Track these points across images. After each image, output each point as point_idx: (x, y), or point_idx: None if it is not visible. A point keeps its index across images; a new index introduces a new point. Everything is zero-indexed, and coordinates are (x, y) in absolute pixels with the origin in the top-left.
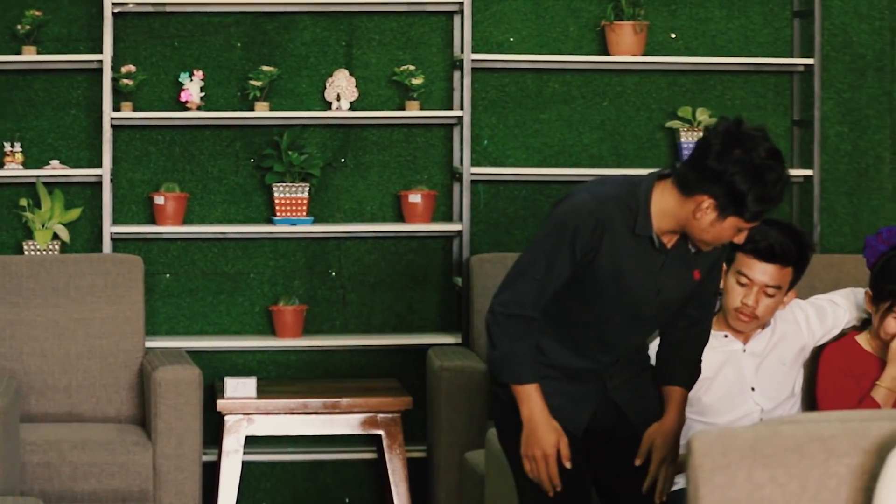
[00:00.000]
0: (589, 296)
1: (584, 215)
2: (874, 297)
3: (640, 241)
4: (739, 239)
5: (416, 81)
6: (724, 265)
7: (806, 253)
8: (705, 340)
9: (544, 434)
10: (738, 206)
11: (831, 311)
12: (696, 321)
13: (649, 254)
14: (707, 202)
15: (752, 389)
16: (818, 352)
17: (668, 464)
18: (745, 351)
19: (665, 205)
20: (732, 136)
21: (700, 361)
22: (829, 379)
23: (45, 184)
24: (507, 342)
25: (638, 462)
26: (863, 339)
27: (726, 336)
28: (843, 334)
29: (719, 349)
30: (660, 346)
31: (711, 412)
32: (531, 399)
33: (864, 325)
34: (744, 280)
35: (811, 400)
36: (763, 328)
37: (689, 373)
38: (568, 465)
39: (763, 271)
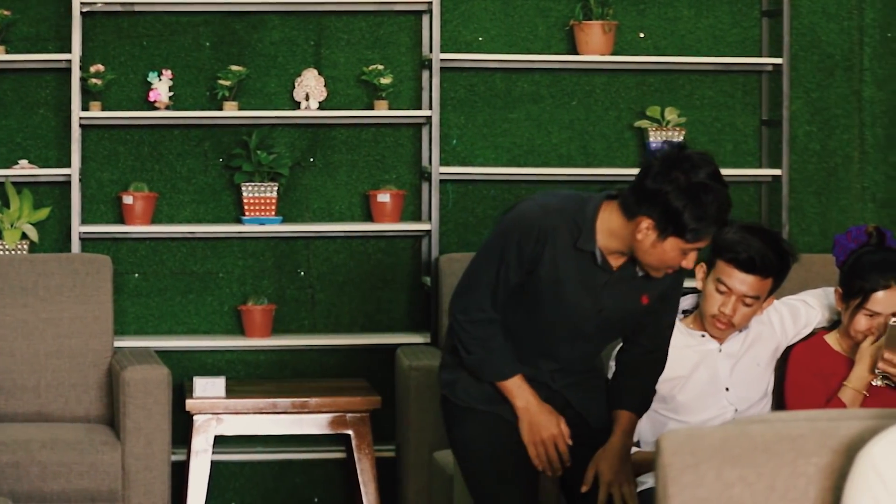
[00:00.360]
0: (530, 305)
1: (527, 224)
2: (844, 295)
3: (583, 257)
4: (688, 263)
5: (385, 81)
6: (704, 269)
7: (787, 263)
8: (659, 370)
9: (545, 418)
10: (676, 225)
11: (804, 311)
12: (649, 350)
13: (591, 270)
14: (646, 223)
15: (727, 390)
16: (787, 351)
17: (621, 485)
18: (720, 351)
19: (611, 224)
20: (673, 159)
21: (653, 391)
22: (797, 379)
23: (14, 183)
24: (479, 345)
25: (584, 488)
26: (832, 339)
27: (703, 336)
28: (812, 333)
29: (695, 348)
30: (614, 372)
31: (685, 411)
32: (521, 389)
33: (835, 325)
34: (722, 288)
35: (779, 399)
36: (740, 330)
37: (640, 399)
38: (570, 441)
39: (742, 281)
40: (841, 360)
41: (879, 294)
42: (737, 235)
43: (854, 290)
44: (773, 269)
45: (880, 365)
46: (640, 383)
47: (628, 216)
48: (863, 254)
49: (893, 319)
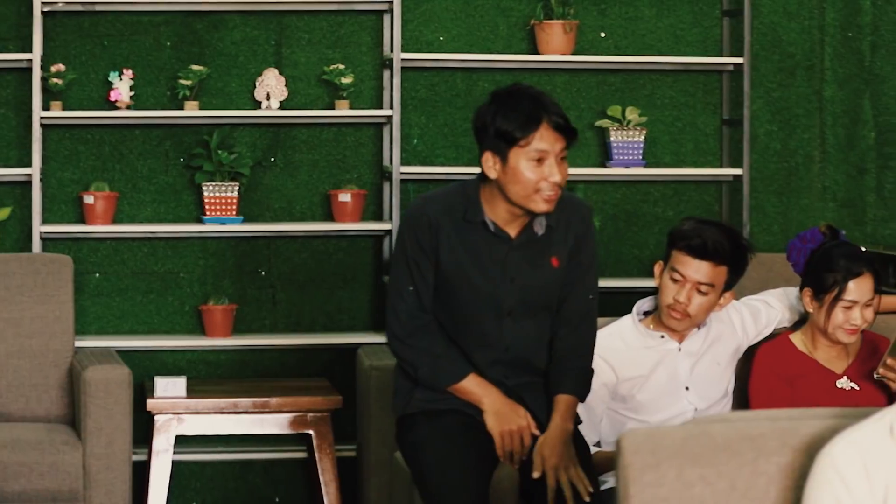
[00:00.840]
0: (447, 296)
1: (415, 217)
2: (816, 293)
3: (477, 230)
4: (552, 172)
5: (346, 80)
6: (661, 265)
7: (741, 253)
8: (590, 348)
9: (510, 410)
10: (501, 136)
11: (765, 311)
12: (575, 327)
13: (490, 242)
14: (487, 156)
15: (687, 389)
16: (751, 352)
17: (567, 468)
18: (680, 350)
19: (488, 193)
20: (479, 107)
21: (590, 371)
22: (762, 381)
23: None
24: (423, 356)
25: (535, 474)
26: (797, 339)
27: (662, 336)
28: (775, 334)
29: (655, 349)
30: (549, 361)
31: (645, 410)
32: (482, 387)
33: (796, 326)
34: (677, 276)
35: (742, 400)
36: (699, 328)
37: (575, 381)
38: (536, 433)
39: (696, 269)
40: (807, 361)
41: (852, 283)
42: (691, 225)
43: (828, 285)
44: (727, 256)
45: (880, 370)
46: (575, 364)
47: (485, 171)
48: (826, 249)
49: None
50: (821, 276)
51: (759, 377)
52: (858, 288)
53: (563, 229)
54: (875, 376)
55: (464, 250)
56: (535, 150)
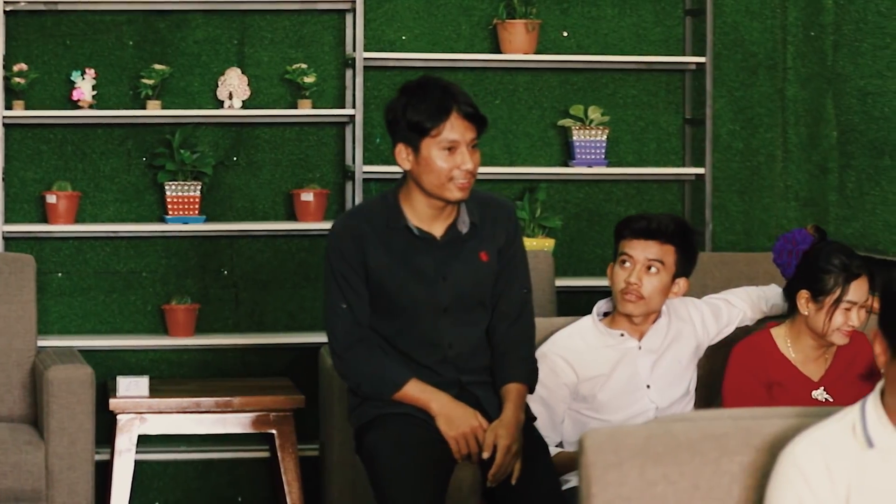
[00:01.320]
0: (386, 305)
1: (339, 234)
2: (816, 294)
3: (402, 235)
4: (465, 161)
5: (309, 80)
6: (612, 265)
7: (686, 234)
8: (531, 336)
9: (462, 411)
10: (413, 128)
11: (726, 309)
12: (514, 319)
13: (416, 244)
14: (399, 148)
15: (648, 387)
16: (726, 348)
17: (514, 454)
18: (640, 349)
19: (406, 192)
20: (397, 94)
21: (534, 360)
22: (737, 381)
23: None
24: (362, 370)
25: (486, 454)
26: (780, 338)
27: (622, 335)
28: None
29: (615, 347)
30: (492, 357)
31: (606, 409)
32: (426, 392)
33: (758, 325)
34: (625, 259)
35: (708, 398)
36: (655, 321)
37: (523, 369)
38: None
39: (643, 248)
40: (785, 365)
41: (853, 284)
42: (634, 215)
43: (828, 287)
44: (671, 234)
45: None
46: (518, 355)
47: (403, 166)
48: (822, 250)
49: None
50: (819, 277)
51: (735, 377)
52: (858, 289)
53: (490, 226)
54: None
55: (391, 256)
56: (447, 140)
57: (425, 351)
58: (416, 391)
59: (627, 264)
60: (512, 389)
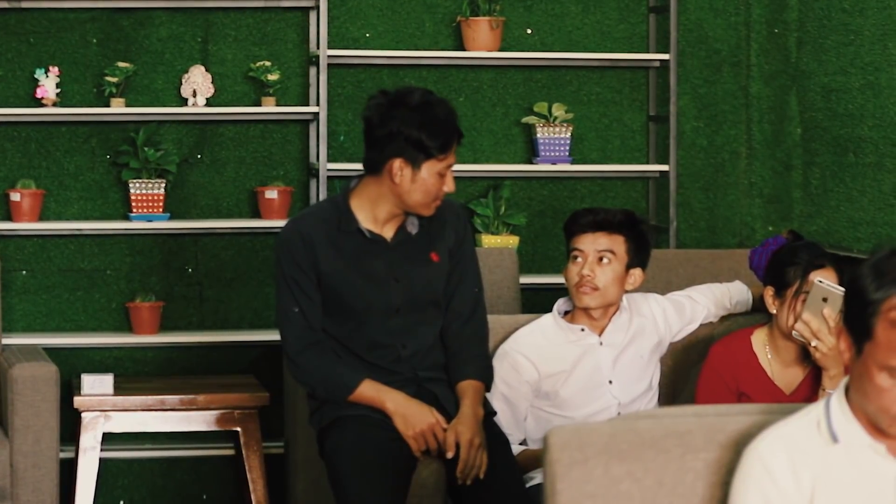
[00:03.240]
0: (338, 308)
1: (288, 238)
2: (779, 289)
3: (353, 238)
4: (449, 184)
5: (272, 77)
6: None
7: (634, 223)
8: (485, 335)
9: (417, 409)
10: (422, 149)
11: (689, 306)
12: (467, 318)
13: (367, 248)
14: (397, 163)
15: (610, 383)
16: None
17: (476, 447)
18: (601, 344)
19: (367, 196)
20: (387, 103)
21: (488, 358)
22: (709, 387)
23: None
24: (315, 374)
25: (449, 454)
26: (759, 343)
27: (583, 330)
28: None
29: (576, 343)
30: (446, 356)
31: (569, 406)
32: (381, 391)
33: (721, 322)
34: (576, 254)
35: (670, 394)
36: (615, 315)
37: (479, 366)
38: (445, 426)
39: (592, 241)
40: (758, 375)
41: (813, 274)
42: (581, 210)
43: (789, 278)
44: (619, 224)
45: (797, 326)
46: (474, 352)
47: (377, 172)
48: (788, 246)
49: (818, 280)
50: (781, 271)
51: (707, 381)
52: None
53: (439, 227)
54: (793, 334)
55: (343, 259)
56: (445, 166)
57: (379, 352)
58: (370, 391)
59: (579, 259)
60: (467, 386)
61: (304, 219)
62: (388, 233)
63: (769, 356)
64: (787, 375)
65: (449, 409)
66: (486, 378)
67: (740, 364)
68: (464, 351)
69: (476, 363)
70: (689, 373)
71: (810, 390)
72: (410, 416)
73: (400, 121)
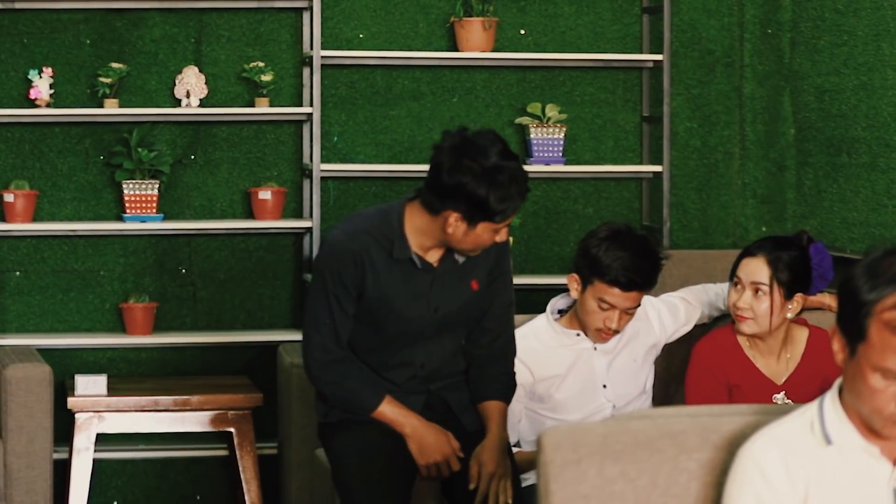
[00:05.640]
0: (370, 326)
1: (340, 254)
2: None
3: (403, 265)
4: (501, 236)
5: (266, 78)
6: (578, 280)
7: (661, 266)
8: (512, 353)
9: (435, 438)
10: (484, 211)
11: (683, 307)
12: (496, 335)
13: (415, 275)
14: (453, 216)
15: (604, 387)
16: (685, 346)
17: (499, 479)
18: (595, 349)
19: (419, 224)
20: (460, 149)
21: (513, 375)
22: (698, 381)
23: None
24: (338, 388)
25: (472, 486)
26: (741, 338)
27: (578, 334)
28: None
29: (571, 347)
30: (470, 367)
31: (563, 409)
32: (400, 414)
33: (715, 323)
34: (605, 306)
35: (666, 397)
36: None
37: (505, 385)
38: (462, 455)
39: (625, 298)
40: (747, 366)
41: (743, 261)
42: (610, 256)
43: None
44: (652, 277)
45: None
46: (499, 371)
47: (433, 213)
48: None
49: None
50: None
51: (696, 377)
52: (746, 266)
53: (483, 253)
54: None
55: (390, 287)
56: (504, 226)
57: (396, 371)
58: (390, 413)
59: (606, 308)
60: (493, 408)
61: (358, 236)
62: (434, 257)
63: (751, 350)
64: (774, 366)
65: (462, 419)
66: (510, 397)
67: (727, 356)
68: (489, 367)
69: (502, 382)
70: (682, 375)
71: (802, 381)
72: (427, 445)
73: (469, 177)
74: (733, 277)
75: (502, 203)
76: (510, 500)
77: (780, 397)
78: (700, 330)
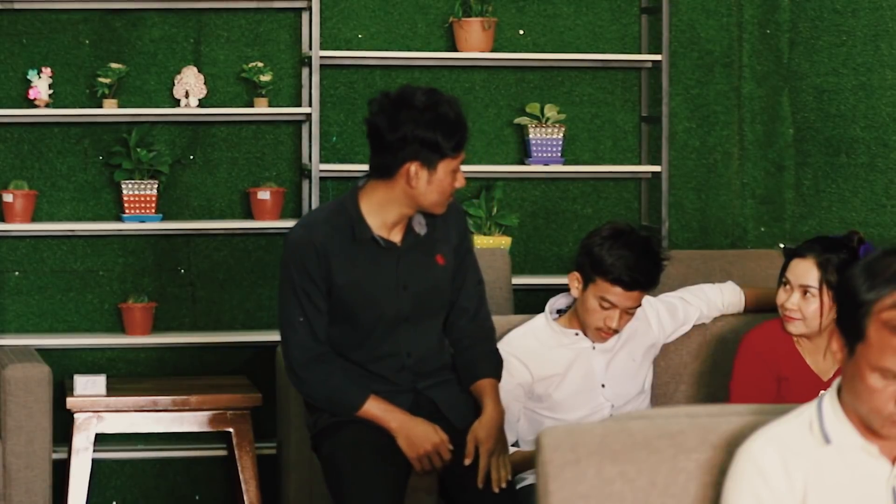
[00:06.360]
0: (344, 315)
1: (300, 247)
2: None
3: (367, 247)
4: (460, 181)
5: (265, 78)
6: (579, 278)
7: (662, 265)
8: (492, 330)
9: (422, 429)
10: (438, 149)
11: (682, 307)
12: (473, 313)
13: (380, 255)
14: (413, 167)
15: (602, 386)
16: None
17: (497, 454)
18: (594, 348)
19: (377, 200)
20: (389, 107)
21: (497, 352)
22: (748, 373)
23: None
24: (322, 387)
25: (467, 461)
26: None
27: (577, 334)
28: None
29: (569, 346)
30: (455, 355)
31: (562, 409)
32: (385, 411)
33: (714, 323)
34: (606, 304)
35: (662, 396)
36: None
37: (493, 363)
38: (451, 446)
39: (627, 298)
40: (796, 360)
41: (792, 262)
42: (613, 255)
43: (783, 266)
44: (654, 277)
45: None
46: (485, 350)
47: (389, 177)
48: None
49: None
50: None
51: (745, 367)
52: (796, 268)
53: (443, 227)
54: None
55: (357, 268)
56: (459, 162)
57: (384, 362)
58: (375, 409)
59: (607, 307)
60: (486, 386)
61: (317, 227)
62: (396, 236)
63: (800, 345)
64: (821, 361)
65: (450, 417)
66: (500, 373)
67: (779, 347)
68: (475, 348)
69: (489, 360)
70: (681, 374)
71: None
72: (416, 437)
73: (412, 124)
74: (782, 279)
75: (451, 135)
76: (509, 476)
77: (826, 394)
78: (701, 330)
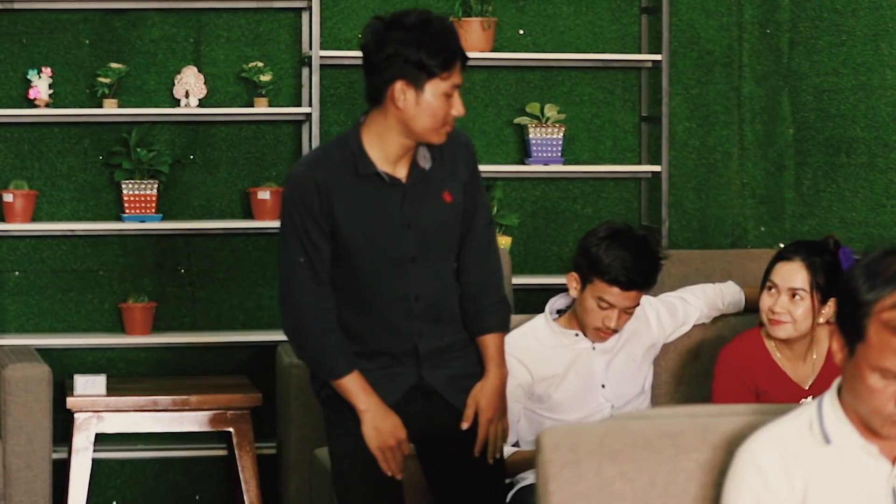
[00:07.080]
0: (350, 261)
1: (301, 184)
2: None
3: (371, 183)
4: (457, 108)
5: (265, 78)
6: (577, 279)
7: (660, 264)
8: (501, 274)
9: (391, 424)
10: (422, 66)
11: (682, 307)
12: (482, 256)
13: (384, 191)
14: (398, 86)
15: (602, 387)
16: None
17: (496, 421)
18: (594, 349)
19: (375, 130)
20: (381, 29)
21: (506, 300)
22: (726, 389)
23: None
24: (315, 342)
25: (465, 425)
26: (767, 338)
27: (577, 335)
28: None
29: (569, 347)
30: (462, 299)
31: (562, 409)
32: (358, 389)
33: (714, 323)
34: (604, 305)
35: (663, 396)
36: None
37: (501, 316)
38: (410, 446)
39: (625, 297)
40: (774, 371)
41: (777, 265)
42: (610, 255)
43: (766, 269)
44: (652, 277)
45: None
46: (494, 298)
47: (380, 101)
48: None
49: None
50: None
51: (724, 383)
52: (781, 270)
53: (451, 161)
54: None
55: (361, 207)
56: (451, 85)
57: (392, 306)
58: (352, 386)
59: (605, 307)
60: (492, 342)
61: (318, 163)
62: (401, 172)
63: (778, 354)
64: (800, 369)
65: (453, 402)
66: (507, 326)
67: (755, 361)
68: (482, 296)
69: (497, 312)
70: (681, 374)
71: (828, 384)
72: (384, 427)
73: (397, 42)
74: (766, 282)
75: (437, 54)
76: (499, 451)
77: (808, 402)
78: (701, 330)
